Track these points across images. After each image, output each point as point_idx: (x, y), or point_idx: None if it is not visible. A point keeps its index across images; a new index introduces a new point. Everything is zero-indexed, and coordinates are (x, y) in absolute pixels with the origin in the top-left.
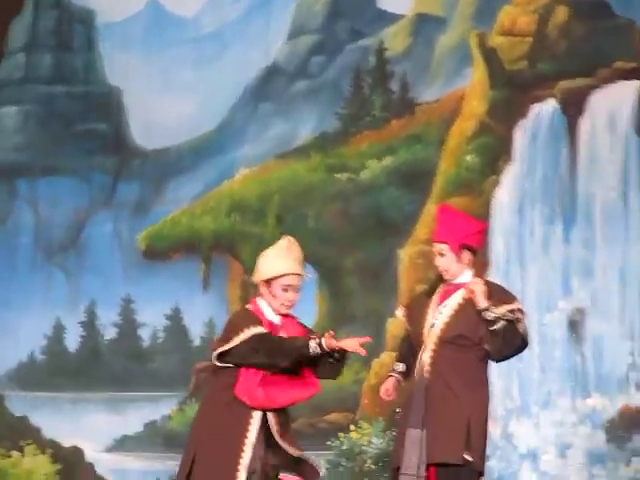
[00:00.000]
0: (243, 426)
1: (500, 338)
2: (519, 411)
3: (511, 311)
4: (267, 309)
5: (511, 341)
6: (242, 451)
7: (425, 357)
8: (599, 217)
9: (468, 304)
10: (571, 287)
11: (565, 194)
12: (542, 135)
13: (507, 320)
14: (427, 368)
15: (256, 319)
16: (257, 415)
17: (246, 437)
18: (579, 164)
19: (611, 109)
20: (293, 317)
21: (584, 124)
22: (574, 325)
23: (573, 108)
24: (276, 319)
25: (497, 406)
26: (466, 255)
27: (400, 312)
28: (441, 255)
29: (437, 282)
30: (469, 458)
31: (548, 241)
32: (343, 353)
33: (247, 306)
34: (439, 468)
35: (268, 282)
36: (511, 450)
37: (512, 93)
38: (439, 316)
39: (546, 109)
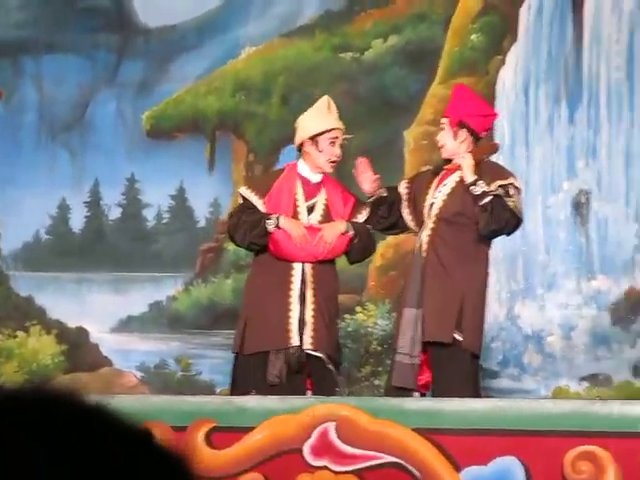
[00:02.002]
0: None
1: (488, 213)
2: (524, 293)
3: (503, 186)
4: (306, 169)
5: (499, 216)
6: (290, 304)
7: (423, 236)
8: (604, 97)
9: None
10: (576, 168)
11: (570, 74)
12: (547, 14)
13: (495, 195)
14: (424, 247)
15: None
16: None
17: (290, 290)
18: (584, 43)
19: None
20: (336, 181)
21: (589, 2)
22: (579, 207)
23: None
24: (315, 177)
25: (502, 289)
26: (464, 134)
27: (402, 186)
28: (441, 129)
29: (442, 164)
30: (459, 337)
31: (553, 122)
32: None
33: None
34: (433, 349)
35: (313, 139)
36: (516, 332)
37: None
38: (438, 195)
39: None
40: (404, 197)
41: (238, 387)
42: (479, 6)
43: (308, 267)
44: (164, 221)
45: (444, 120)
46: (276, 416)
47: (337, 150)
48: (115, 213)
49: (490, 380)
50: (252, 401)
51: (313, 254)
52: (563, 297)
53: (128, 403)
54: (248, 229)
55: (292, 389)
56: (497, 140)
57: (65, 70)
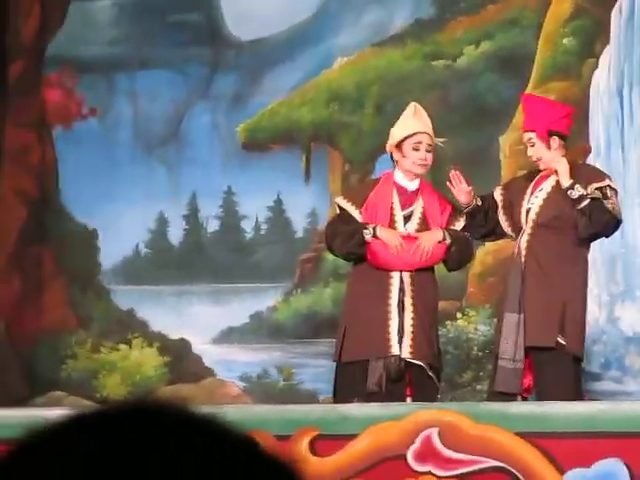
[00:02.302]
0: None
1: (587, 216)
2: (624, 295)
3: (599, 189)
4: (401, 177)
5: (598, 219)
6: (389, 313)
7: (522, 242)
8: None
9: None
10: None
11: None
12: (639, 15)
13: (593, 198)
14: (523, 252)
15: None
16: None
17: (389, 298)
18: None
19: None
20: (433, 189)
21: None
22: None
23: None
24: (411, 185)
25: (601, 291)
26: (555, 141)
27: (497, 193)
28: (531, 145)
29: (536, 169)
30: (563, 342)
31: None
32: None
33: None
34: (535, 353)
35: (399, 147)
36: (617, 334)
37: None
38: (534, 200)
39: None
40: (500, 204)
41: (340, 395)
42: (570, 10)
43: (406, 276)
44: (262, 232)
45: (531, 135)
46: (379, 423)
47: (422, 154)
48: (213, 225)
49: (592, 383)
50: (355, 409)
51: (411, 263)
52: None
53: (231, 413)
54: (345, 239)
55: (392, 397)
56: (592, 143)
57: (158, 85)
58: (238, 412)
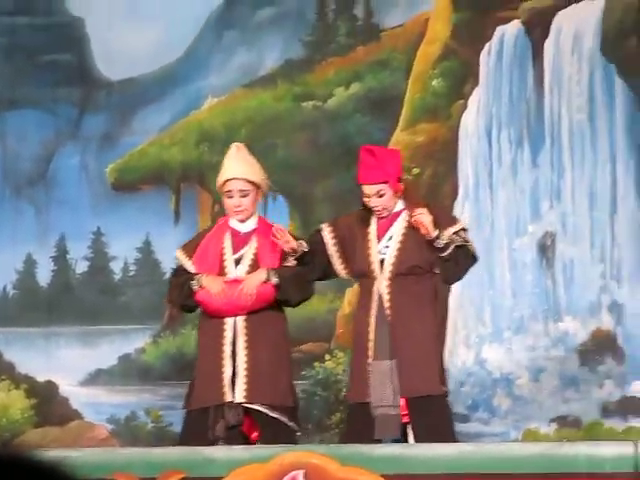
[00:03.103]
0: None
1: (453, 263)
2: (491, 337)
3: (456, 232)
4: (234, 221)
5: (464, 263)
6: (222, 360)
7: (382, 289)
8: (566, 139)
9: (412, 231)
10: (540, 211)
11: (532, 117)
12: (507, 57)
13: (457, 245)
14: (386, 298)
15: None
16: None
17: (223, 345)
18: (545, 86)
19: (576, 29)
20: (269, 228)
21: (549, 45)
22: (544, 249)
23: (538, 29)
24: (243, 227)
25: (470, 333)
26: (400, 187)
27: (326, 232)
28: (380, 196)
29: (367, 212)
30: (445, 389)
31: (516, 165)
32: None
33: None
34: (410, 399)
35: (221, 191)
36: (485, 376)
37: (476, 15)
38: (386, 249)
39: (510, 31)
40: (331, 242)
41: (186, 443)
42: (439, 51)
43: (240, 320)
44: (131, 274)
45: (383, 187)
46: (244, 465)
47: (235, 201)
48: (82, 267)
49: (460, 424)
50: (220, 451)
51: (239, 307)
52: (530, 340)
53: (97, 456)
54: (178, 291)
55: (235, 444)
56: (461, 183)
57: (27, 125)
58: (103, 455)
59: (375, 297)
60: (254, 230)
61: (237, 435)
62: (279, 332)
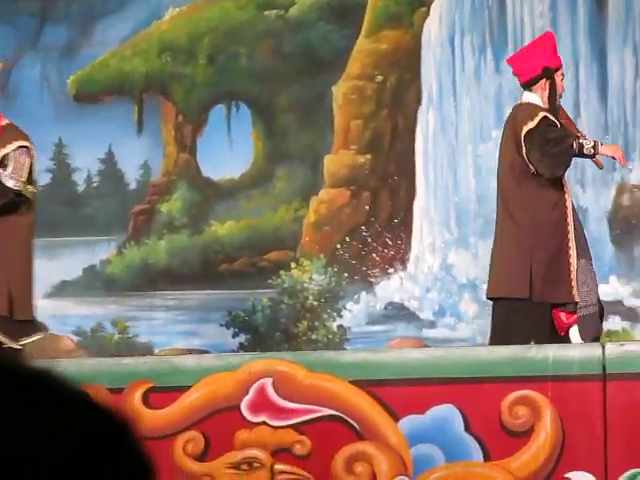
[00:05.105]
0: None
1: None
2: (457, 242)
3: None
4: None
5: None
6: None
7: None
8: None
9: None
10: (504, 117)
11: (495, 23)
12: None
13: None
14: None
15: None
16: None
17: None
18: None
19: None
20: None
21: None
22: None
23: None
24: None
25: (435, 239)
26: None
27: None
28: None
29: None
30: None
31: (479, 71)
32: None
33: None
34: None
35: None
36: (451, 281)
37: None
38: None
39: None
40: None
41: None
42: None
43: None
44: (94, 185)
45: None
46: (212, 374)
47: None
48: (44, 179)
49: (427, 330)
50: (189, 360)
51: None
52: None
53: (64, 367)
54: None
55: None
56: (424, 90)
57: None
58: (71, 365)
59: (569, 203)
60: None
61: None
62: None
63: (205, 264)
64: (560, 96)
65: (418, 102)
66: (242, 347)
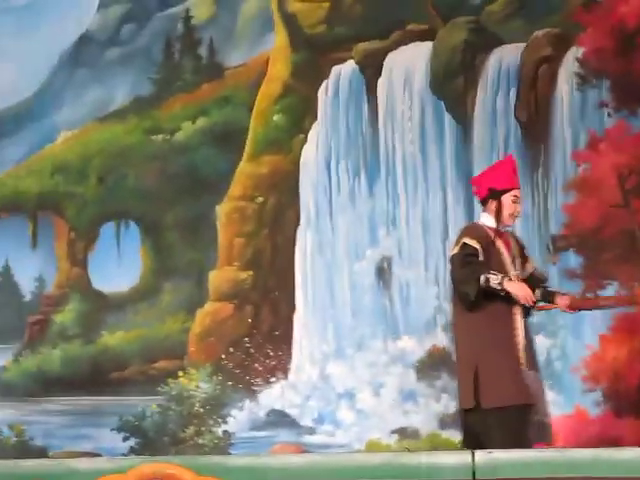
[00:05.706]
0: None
1: None
2: (335, 354)
3: None
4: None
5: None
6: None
7: None
8: (400, 170)
9: None
10: (378, 237)
11: (368, 149)
12: (344, 94)
13: None
14: None
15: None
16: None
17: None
18: (380, 120)
19: (406, 68)
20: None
21: (382, 83)
22: (382, 272)
23: (371, 68)
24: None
25: (314, 350)
26: None
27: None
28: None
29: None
30: None
31: (354, 194)
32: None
33: None
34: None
35: None
36: (329, 390)
37: (313, 56)
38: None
39: (346, 70)
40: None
41: None
42: (279, 89)
43: None
44: None
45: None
46: (105, 476)
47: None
48: None
49: (307, 436)
50: (83, 463)
51: None
52: (371, 356)
53: None
54: None
55: None
56: (303, 211)
57: None
58: None
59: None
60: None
61: None
62: None
63: (97, 372)
64: (514, 218)
65: (297, 222)
66: (132, 450)
